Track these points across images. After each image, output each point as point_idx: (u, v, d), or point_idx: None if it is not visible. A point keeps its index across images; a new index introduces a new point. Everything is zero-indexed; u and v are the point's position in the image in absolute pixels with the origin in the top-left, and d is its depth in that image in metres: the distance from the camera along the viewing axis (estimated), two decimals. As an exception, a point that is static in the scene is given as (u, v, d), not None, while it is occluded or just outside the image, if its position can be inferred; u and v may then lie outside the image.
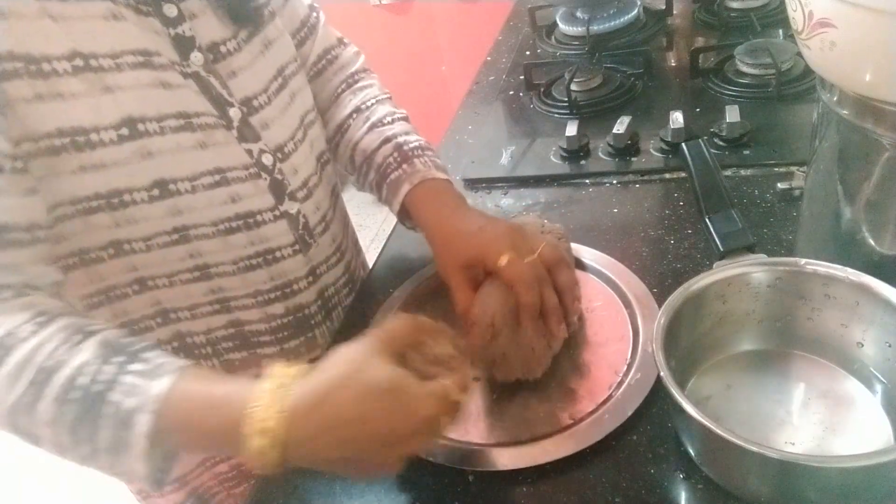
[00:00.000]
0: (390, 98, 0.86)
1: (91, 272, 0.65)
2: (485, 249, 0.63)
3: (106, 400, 0.48)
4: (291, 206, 0.72)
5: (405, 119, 0.82)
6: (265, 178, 0.69)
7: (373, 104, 0.83)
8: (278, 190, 0.70)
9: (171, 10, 0.61)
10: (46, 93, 0.55)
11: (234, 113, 0.66)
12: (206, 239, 0.66)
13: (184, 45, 0.62)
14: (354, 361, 0.49)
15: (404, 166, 0.75)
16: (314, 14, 0.84)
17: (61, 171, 0.57)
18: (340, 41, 0.88)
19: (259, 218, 0.69)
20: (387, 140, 0.78)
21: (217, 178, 0.65)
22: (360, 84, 0.86)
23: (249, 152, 0.67)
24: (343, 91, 0.85)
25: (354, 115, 0.82)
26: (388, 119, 0.81)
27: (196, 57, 0.63)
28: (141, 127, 0.59)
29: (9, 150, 0.54)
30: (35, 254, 0.56)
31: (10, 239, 0.54)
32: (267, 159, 0.69)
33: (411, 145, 0.77)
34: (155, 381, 0.49)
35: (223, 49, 0.65)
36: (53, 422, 0.49)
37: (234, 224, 0.68)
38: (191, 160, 0.63)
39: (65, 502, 2.01)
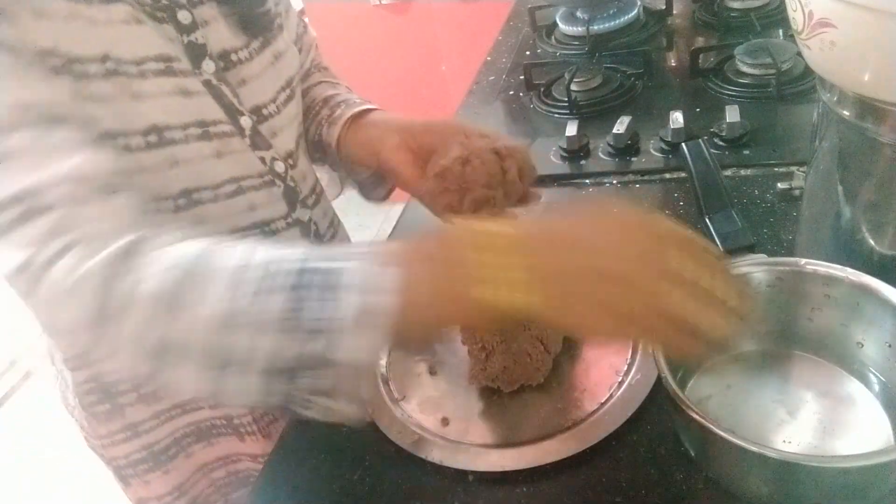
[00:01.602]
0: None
1: None
2: (438, 136, 0.65)
3: (343, 271, 0.44)
4: (303, 214, 0.72)
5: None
6: (279, 186, 0.69)
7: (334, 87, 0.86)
8: (291, 197, 0.70)
9: (185, 17, 0.61)
10: (78, 94, 0.54)
11: (245, 121, 0.65)
12: None
13: (196, 53, 0.62)
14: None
15: (356, 99, 0.79)
16: (301, 25, 0.85)
17: None
18: (319, 54, 0.89)
19: (274, 226, 0.69)
20: (343, 88, 0.82)
21: (234, 186, 0.65)
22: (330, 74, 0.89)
23: (263, 160, 0.67)
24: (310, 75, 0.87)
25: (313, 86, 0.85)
26: (343, 90, 0.84)
27: (207, 65, 0.62)
28: (167, 135, 0.59)
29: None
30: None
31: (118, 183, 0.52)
32: (279, 167, 0.69)
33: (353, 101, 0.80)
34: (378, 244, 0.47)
35: (234, 58, 0.65)
36: (285, 312, 0.43)
37: (250, 233, 0.67)
38: (211, 169, 0.63)
39: (59, 501, 2.01)
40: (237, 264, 0.46)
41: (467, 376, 0.66)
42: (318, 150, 0.80)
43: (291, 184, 0.70)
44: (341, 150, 0.76)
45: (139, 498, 0.83)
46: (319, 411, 0.46)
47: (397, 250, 0.46)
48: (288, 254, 0.46)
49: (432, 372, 0.70)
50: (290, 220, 0.71)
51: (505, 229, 0.46)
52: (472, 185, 0.61)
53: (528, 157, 0.65)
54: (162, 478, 0.80)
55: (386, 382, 0.70)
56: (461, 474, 0.60)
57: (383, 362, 0.72)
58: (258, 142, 0.67)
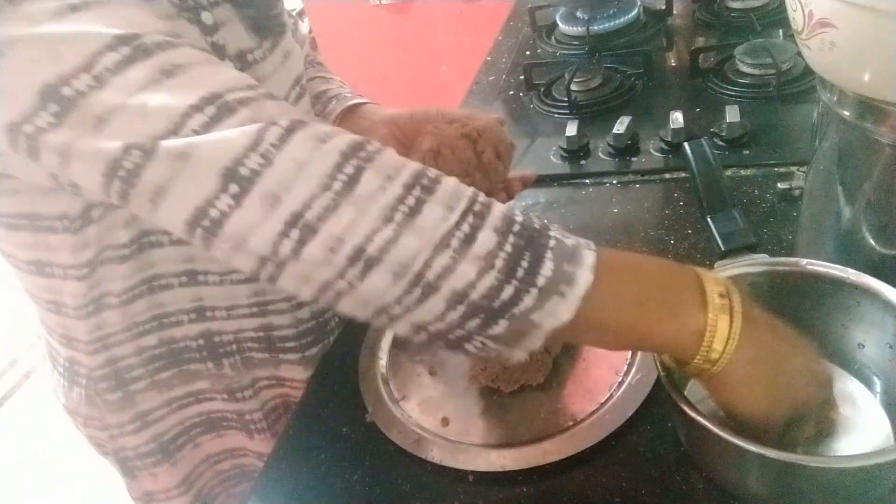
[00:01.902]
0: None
1: (144, 258, 0.65)
2: (419, 124, 0.67)
3: (548, 234, 0.45)
4: None
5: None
6: None
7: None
8: None
9: (208, 18, 0.60)
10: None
11: None
12: None
13: (218, 54, 0.62)
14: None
15: (347, 93, 0.79)
16: (293, 22, 0.85)
17: None
18: (312, 49, 0.90)
19: None
20: (335, 83, 0.83)
21: None
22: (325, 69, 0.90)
23: None
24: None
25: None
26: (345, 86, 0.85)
27: (228, 65, 0.62)
28: None
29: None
30: None
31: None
32: None
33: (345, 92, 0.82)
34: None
35: (249, 58, 0.65)
36: (490, 253, 0.43)
37: None
38: None
39: (59, 501, 2.01)
40: (455, 186, 0.44)
41: (467, 376, 0.66)
42: None
43: None
44: None
45: (145, 491, 0.83)
46: (487, 353, 0.46)
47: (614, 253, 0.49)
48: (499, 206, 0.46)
49: (432, 372, 0.70)
50: None
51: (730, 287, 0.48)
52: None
53: (503, 135, 0.65)
54: (169, 470, 0.80)
55: (386, 382, 0.70)
56: (461, 474, 0.60)
57: (383, 362, 0.72)
58: None
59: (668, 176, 0.91)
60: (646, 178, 0.92)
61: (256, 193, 0.41)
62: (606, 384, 0.64)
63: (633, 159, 0.94)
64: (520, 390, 0.65)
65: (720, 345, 0.45)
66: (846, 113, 0.56)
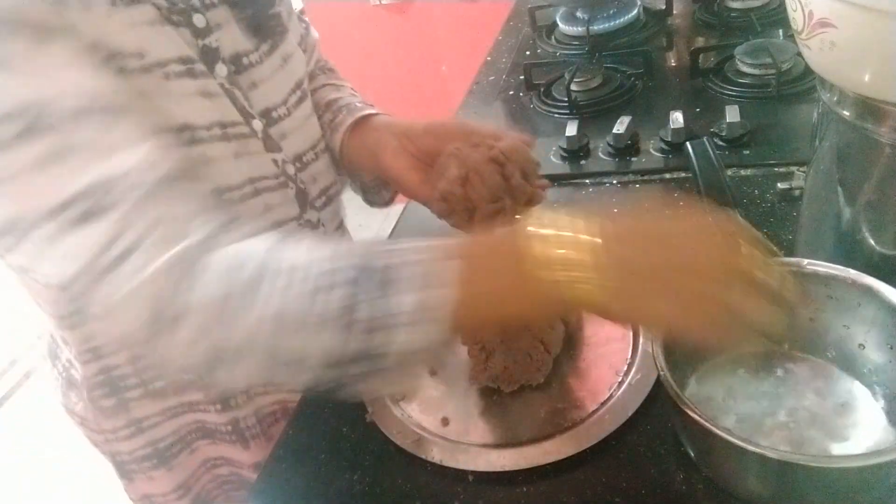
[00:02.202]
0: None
1: None
2: (436, 139, 0.65)
3: (402, 266, 0.45)
4: (313, 215, 0.72)
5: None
6: (291, 187, 0.69)
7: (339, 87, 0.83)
8: (302, 199, 0.71)
9: (200, 21, 0.60)
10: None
11: (257, 124, 0.65)
12: None
13: (210, 57, 0.61)
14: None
15: (358, 103, 0.78)
16: (304, 27, 0.84)
17: None
18: (322, 56, 0.87)
19: (285, 228, 0.69)
20: (347, 91, 0.81)
21: (251, 188, 0.65)
22: (336, 76, 0.87)
23: (275, 162, 0.67)
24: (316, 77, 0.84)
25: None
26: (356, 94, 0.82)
27: (220, 68, 0.62)
28: (196, 134, 0.59)
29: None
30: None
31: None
32: (290, 169, 0.69)
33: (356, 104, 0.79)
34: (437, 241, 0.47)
35: (245, 61, 0.65)
36: (343, 310, 0.44)
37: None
38: (235, 170, 0.63)
39: (59, 501, 2.01)
40: (293, 265, 0.46)
41: (467, 376, 0.66)
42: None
43: (301, 185, 0.71)
44: (343, 155, 0.76)
45: (143, 494, 0.83)
46: (369, 392, 0.49)
47: (460, 244, 0.47)
48: (346, 251, 0.47)
49: (432, 372, 0.70)
50: (301, 221, 0.71)
51: (573, 224, 0.46)
52: (477, 203, 0.60)
53: (528, 155, 0.64)
54: (167, 475, 0.80)
55: (386, 382, 0.69)
56: (461, 474, 0.60)
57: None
58: (270, 144, 0.67)
59: (668, 176, 0.91)
60: (646, 178, 0.92)
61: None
62: (606, 384, 0.64)
63: (633, 159, 0.94)
64: (520, 390, 0.65)
65: (583, 272, 0.44)
66: (846, 113, 0.56)
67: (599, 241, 0.44)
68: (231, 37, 0.64)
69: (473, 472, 0.59)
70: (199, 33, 0.60)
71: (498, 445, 0.61)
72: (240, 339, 0.45)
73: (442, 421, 0.64)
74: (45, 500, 2.04)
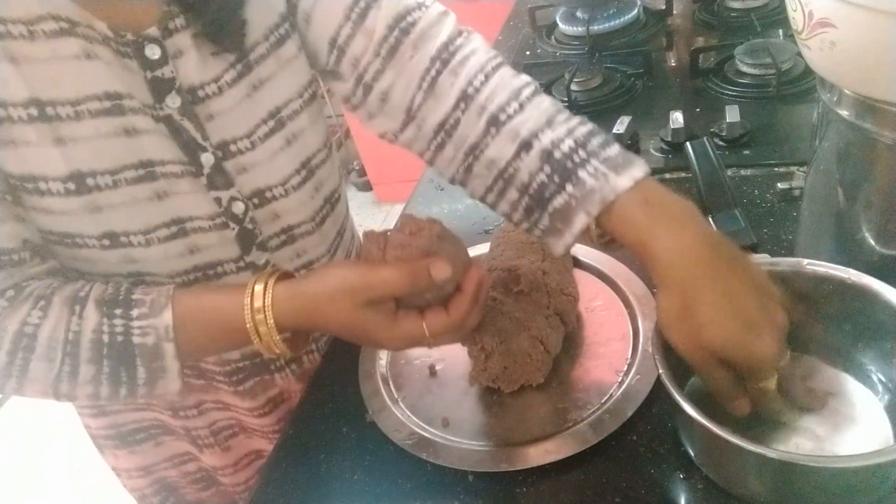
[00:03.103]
0: (504, 63, 0.63)
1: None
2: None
3: (131, 342, 0.56)
4: (259, 257, 0.68)
5: (534, 89, 0.60)
6: (233, 228, 0.65)
7: (483, 82, 0.60)
8: (247, 240, 0.66)
9: (153, 52, 0.57)
10: (1, 138, 0.53)
11: (206, 158, 0.61)
12: (163, 286, 0.61)
13: (160, 88, 0.58)
14: (332, 293, 0.56)
15: (568, 188, 0.53)
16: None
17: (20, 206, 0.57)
18: (420, 4, 0.64)
19: (220, 269, 0.66)
20: (526, 146, 0.56)
21: (174, 229, 0.61)
22: (458, 57, 0.62)
23: (218, 200, 0.63)
24: (438, 74, 0.61)
25: (462, 106, 0.60)
26: (515, 104, 0.58)
27: (173, 99, 0.59)
28: (91, 181, 0.56)
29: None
30: (32, 265, 0.59)
31: (10, 260, 0.57)
32: (238, 207, 0.64)
33: (564, 148, 0.54)
34: (160, 317, 0.57)
35: (201, 93, 0.60)
36: (94, 378, 0.57)
37: (192, 276, 0.65)
38: (145, 213, 0.60)
39: (59, 501, 2.01)
40: (50, 336, 0.56)
41: (467, 376, 0.66)
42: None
43: (250, 226, 0.65)
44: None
45: (112, 466, 0.85)
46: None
47: (180, 320, 0.58)
48: (91, 325, 0.56)
49: (432, 372, 0.70)
50: (241, 263, 0.67)
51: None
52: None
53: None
54: (129, 456, 0.81)
55: (386, 382, 0.70)
56: (461, 474, 0.60)
57: (383, 362, 0.72)
58: (217, 181, 0.62)
59: (668, 176, 0.91)
60: (646, 178, 0.92)
61: None
62: (606, 384, 0.64)
63: (633, 159, 0.94)
64: (520, 390, 0.65)
65: (275, 345, 0.58)
66: (846, 113, 0.56)
67: None
68: (190, 65, 0.59)
69: (473, 472, 0.59)
70: (149, 65, 0.57)
71: (498, 445, 0.61)
72: (12, 389, 0.58)
73: (442, 421, 0.64)
74: (45, 500, 2.04)
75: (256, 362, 0.75)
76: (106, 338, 0.56)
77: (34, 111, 0.53)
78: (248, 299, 0.56)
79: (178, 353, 0.57)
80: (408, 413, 0.66)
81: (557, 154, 0.54)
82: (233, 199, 0.64)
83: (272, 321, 0.56)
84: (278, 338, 0.57)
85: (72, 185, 0.56)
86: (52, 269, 0.61)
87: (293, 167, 0.67)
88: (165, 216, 0.61)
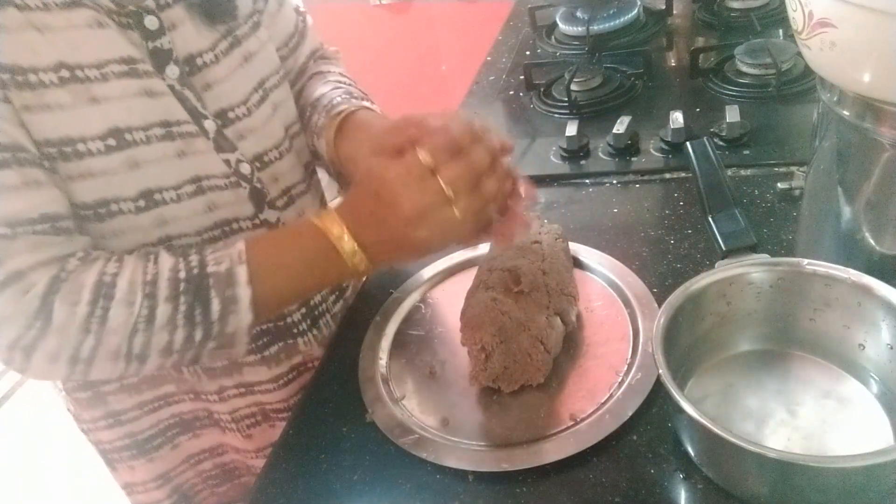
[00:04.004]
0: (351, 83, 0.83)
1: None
2: (400, 135, 0.61)
3: (206, 273, 0.57)
4: (271, 215, 0.72)
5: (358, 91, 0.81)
6: (245, 187, 0.68)
7: (329, 72, 0.84)
8: (258, 198, 0.70)
9: (152, 23, 0.61)
10: (35, 104, 0.55)
11: (209, 125, 0.65)
12: None
13: (161, 58, 0.62)
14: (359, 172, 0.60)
15: (350, 100, 0.75)
16: (301, 19, 0.84)
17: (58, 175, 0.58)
18: (321, 44, 0.89)
19: (237, 226, 0.69)
20: (332, 79, 0.81)
21: (195, 186, 0.65)
22: (326, 61, 0.86)
23: (227, 162, 0.67)
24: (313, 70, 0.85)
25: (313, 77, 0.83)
26: (344, 79, 0.82)
27: (172, 70, 0.62)
28: (128, 137, 0.59)
29: (34, 150, 0.56)
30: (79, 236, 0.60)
31: (63, 227, 0.57)
32: (245, 168, 0.68)
33: (358, 93, 0.79)
34: (233, 247, 0.59)
35: (199, 62, 0.65)
36: (170, 320, 0.57)
37: (214, 233, 0.68)
38: (174, 169, 0.63)
39: (59, 501, 2.01)
40: (128, 285, 0.56)
41: (468, 377, 0.66)
42: (316, 157, 0.80)
43: (258, 185, 0.70)
44: (333, 163, 0.76)
45: (125, 482, 0.84)
46: (208, 360, 0.62)
47: (253, 247, 0.59)
48: (168, 265, 0.58)
49: (432, 372, 0.70)
50: (257, 220, 0.70)
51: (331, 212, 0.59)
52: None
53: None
54: (146, 465, 0.81)
55: (386, 382, 0.70)
56: (461, 474, 0.60)
57: (383, 362, 0.72)
58: (222, 144, 0.66)
59: (668, 176, 0.91)
60: (646, 178, 0.92)
61: None
62: (606, 384, 0.64)
63: (633, 159, 0.94)
64: (520, 390, 0.65)
65: (353, 254, 0.58)
66: (846, 113, 0.56)
67: (353, 227, 0.57)
68: (186, 37, 0.64)
69: (473, 472, 0.59)
70: (149, 35, 0.61)
71: (498, 445, 0.61)
72: (90, 349, 0.56)
73: (442, 421, 0.64)
74: (45, 500, 2.04)
75: (279, 325, 0.77)
76: (182, 273, 0.57)
77: (65, 73, 0.56)
78: (314, 215, 0.59)
79: (251, 278, 0.57)
80: (408, 413, 0.66)
81: (354, 90, 0.80)
82: (239, 160, 0.68)
83: (337, 219, 0.58)
84: (351, 238, 0.57)
85: (112, 141, 0.59)
86: (91, 243, 0.61)
87: (281, 133, 0.74)
88: (188, 173, 0.64)
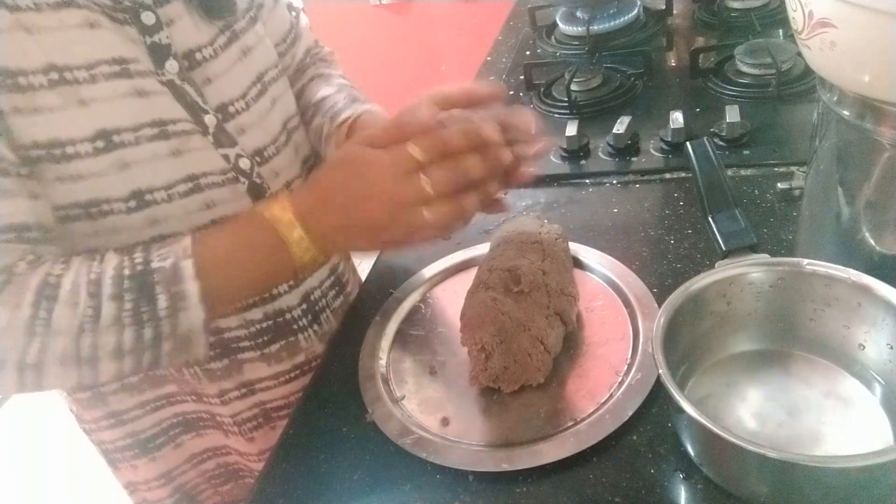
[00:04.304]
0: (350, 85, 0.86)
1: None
2: (399, 133, 0.59)
3: (150, 269, 0.56)
4: None
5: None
6: (243, 183, 0.68)
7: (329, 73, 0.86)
8: (257, 194, 0.70)
9: (149, 18, 0.60)
10: (24, 107, 0.55)
11: (210, 120, 0.65)
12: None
13: (159, 54, 0.61)
14: (337, 153, 0.61)
15: (353, 105, 0.76)
16: (294, 15, 0.84)
17: (41, 180, 0.58)
18: (316, 42, 0.89)
19: None
20: (335, 82, 0.81)
21: (190, 185, 0.64)
22: (325, 64, 0.88)
23: (226, 157, 0.67)
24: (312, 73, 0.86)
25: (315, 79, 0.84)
26: (346, 82, 0.83)
27: (171, 65, 0.62)
28: (116, 138, 0.59)
29: (11, 157, 0.55)
30: (45, 246, 0.59)
31: (29, 237, 0.57)
32: (244, 163, 0.68)
33: (361, 95, 0.80)
34: (178, 242, 0.58)
35: (198, 56, 0.65)
36: (116, 319, 0.55)
37: None
38: (166, 169, 0.63)
39: (58, 501, 2.01)
40: (72, 286, 0.54)
41: (468, 376, 0.66)
42: (320, 157, 0.80)
43: (258, 180, 0.70)
44: None
45: (128, 482, 0.84)
46: (169, 363, 0.60)
47: (199, 241, 0.58)
48: (112, 263, 0.56)
49: (432, 372, 0.70)
50: None
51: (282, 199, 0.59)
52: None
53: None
54: (149, 464, 0.81)
55: (386, 382, 0.70)
56: (461, 474, 0.60)
57: (383, 362, 0.72)
58: (222, 139, 0.66)
59: (668, 176, 0.91)
60: (646, 178, 0.92)
61: None
62: (606, 384, 0.64)
63: (633, 159, 0.94)
64: (520, 390, 0.65)
65: (304, 244, 0.57)
66: (846, 113, 0.56)
67: (304, 215, 0.57)
68: (184, 32, 0.64)
69: (473, 472, 0.59)
70: (146, 30, 0.60)
71: (498, 445, 0.61)
72: (36, 353, 0.54)
73: (442, 421, 0.64)
74: (45, 500, 2.04)
75: (279, 321, 0.77)
76: (127, 271, 0.56)
77: (54, 76, 0.56)
78: (264, 203, 0.59)
79: (198, 272, 0.56)
80: (408, 413, 0.66)
81: (355, 92, 0.81)
82: (238, 155, 0.68)
83: (289, 206, 0.57)
84: (297, 224, 0.57)
85: (100, 143, 0.58)
86: (65, 252, 0.60)
87: (279, 127, 0.74)
88: (182, 172, 0.64)
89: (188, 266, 0.56)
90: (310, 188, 0.59)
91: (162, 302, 0.55)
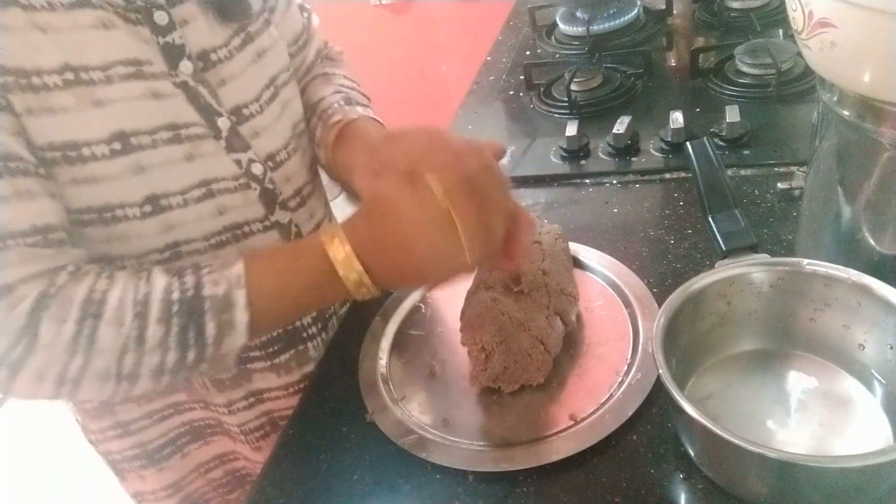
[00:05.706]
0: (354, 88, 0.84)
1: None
2: (399, 147, 0.58)
3: (201, 296, 0.55)
4: (283, 216, 0.71)
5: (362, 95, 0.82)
6: (255, 188, 0.67)
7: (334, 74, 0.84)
8: (269, 199, 0.69)
9: (161, 18, 0.60)
10: (38, 107, 0.54)
11: (223, 123, 0.64)
12: (197, 254, 0.65)
13: (173, 54, 0.60)
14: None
15: (346, 108, 0.75)
16: (306, 16, 0.84)
17: (56, 182, 0.57)
18: (326, 43, 0.89)
19: (248, 229, 0.68)
20: (336, 82, 0.80)
21: (203, 190, 0.63)
22: (331, 63, 0.86)
23: (238, 162, 0.66)
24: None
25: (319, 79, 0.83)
26: (347, 82, 0.82)
27: (185, 66, 0.61)
28: (134, 140, 0.58)
29: (30, 157, 0.54)
30: (71, 247, 0.58)
31: (54, 239, 0.55)
32: (257, 169, 0.67)
33: (359, 97, 0.79)
34: (231, 268, 0.56)
35: (213, 57, 0.64)
36: (161, 342, 0.54)
37: (223, 237, 0.66)
38: (180, 173, 0.62)
39: (62, 502, 2.01)
40: (118, 303, 0.54)
41: (468, 376, 0.66)
42: (316, 161, 0.79)
43: (270, 186, 0.69)
44: (331, 168, 0.76)
45: (135, 491, 0.84)
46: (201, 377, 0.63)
47: (252, 269, 0.57)
48: (161, 285, 0.55)
49: (432, 372, 0.70)
50: (267, 222, 0.69)
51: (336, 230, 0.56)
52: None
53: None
54: (156, 475, 0.80)
55: (386, 382, 0.70)
56: (461, 474, 0.60)
57: (383, 362, 0.72)
58: (235, 143, 0.65)
59: (668, 176, 0.91)
60: (646, 178, 0.92)
61: None
62: (606, 384, 0.64)
63: (633, 159, 0.94)
64: (520, 390, 0.65)
65: (358, 278, 0.55)
66: (846, 113, 0.56)
67: (350, 248, 0.55)
68: (199, 32, 0.63)
69: (473, 472, 0.59)
70: (159, 31, 0.60)
71: (498, 445, 0.61)
72: (77, 369, 0.53)
73: (442, 421, 0.64)
74: (45, 500, 2.04)
75: (289, 329, 0.76)
76: (176, 295, 0.55)
77: (70, 76, 0.55)
78: (321, 236, 0.56)
79: (249, 301, 0.55)
80: (408, 413, 0.66)
81: (352, 94, 0.80)
82: (251, 160, 0.67)
83: (347, 244, 0.55)
84: (357, 263, 0.55)
85: (117, 146, 0.58)
86: (85, 256, 0.59)
87: (289, 132, 0.73)
88: (195, 177, 0.63)
89: (241, 296, 0.55)
90: (355, 231, 0.56)
91: (210, 329, 0.55)
